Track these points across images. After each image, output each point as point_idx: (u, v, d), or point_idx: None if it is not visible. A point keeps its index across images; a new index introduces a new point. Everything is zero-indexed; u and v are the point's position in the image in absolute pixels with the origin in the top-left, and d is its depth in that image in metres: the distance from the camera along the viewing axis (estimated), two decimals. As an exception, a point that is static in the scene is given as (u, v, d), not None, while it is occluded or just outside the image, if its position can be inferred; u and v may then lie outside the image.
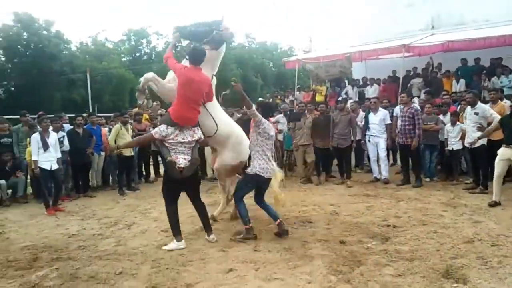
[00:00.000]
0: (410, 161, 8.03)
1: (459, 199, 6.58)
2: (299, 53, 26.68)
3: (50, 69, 24.45)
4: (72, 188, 8.47)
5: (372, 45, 13.72)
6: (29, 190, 8.38)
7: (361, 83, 13.96)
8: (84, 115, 9.17)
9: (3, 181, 7.67)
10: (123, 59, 33.84)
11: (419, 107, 8.23)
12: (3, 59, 25.02)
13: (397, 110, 8.69)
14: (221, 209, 5.82)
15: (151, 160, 9.75)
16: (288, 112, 10.00)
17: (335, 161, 9.17)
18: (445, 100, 8.86)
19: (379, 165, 8.36)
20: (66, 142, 7.95)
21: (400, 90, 10.79)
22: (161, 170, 8.37)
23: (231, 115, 9.31)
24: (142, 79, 5.25)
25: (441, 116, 8.26)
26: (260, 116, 4.94)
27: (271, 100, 15.10)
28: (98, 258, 4.50)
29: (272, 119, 9.68)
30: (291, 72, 20.58)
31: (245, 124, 6.62)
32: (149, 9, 60.61)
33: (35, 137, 6.97)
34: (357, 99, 12.07)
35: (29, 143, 7.34)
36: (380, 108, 8.39)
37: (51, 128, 7.34)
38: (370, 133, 8.36)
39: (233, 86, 4.98)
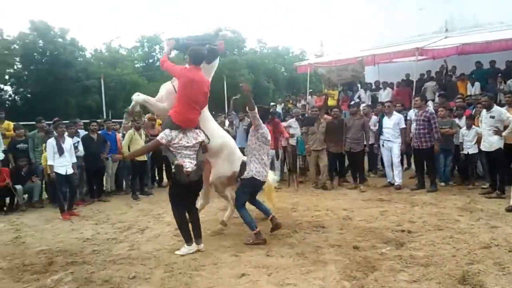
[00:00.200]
0: (425, 165, 7.92)
1: (475, 204, 6.46)
2: (311, 58, 26.64)
3: (65, 76, 24.88)
4: (86, 193, 8.59)
5: (385, 48, 13.64)
6: (45, 195, 8.51)
7: (373, 86, 13.87)
8: (99, 120, 9.29)
9: (19, 186, 7.81)
10: (137, 65, 34.27)
11: (433, 111, 8.12)
12: (19, 66, 25.53)
13: (411, 114, 8.60)
14: (229, 213, 5.80)
15: (164, 164, 9.82)
16: (300, 117, 10.00)
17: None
18: (458, 104, 8.74)
19: (393, 170, 8.26)
20: (80, 147, 8.07)
21: (413, 94, 10.69)
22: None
23: (242, 120, 9.35)
24: (133, 102, 5.35)
25: (456, 120, 8.14)
26: (260, 120, 5.04)
27: (282, 104, 15.11)
28: (112, 263, 4.53)
29: (284, 124, 9.71)
30: (303, 77, 20.51)
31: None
32: (149, 9, 61.04)
33: (51, 142, 7.10)
34: (370, 103, 11.98)
35: (45, 148, 7.47)
36: (394, 112, 8.27)
37: (66, 133, 7.46)
38: (384, 137, 8.25)
39: (241, 86, 5.07)
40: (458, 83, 11.66)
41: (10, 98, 26.06)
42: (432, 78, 12.55)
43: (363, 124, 8.27)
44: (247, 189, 5.11)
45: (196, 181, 4.68)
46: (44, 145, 7.73)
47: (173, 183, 4.73)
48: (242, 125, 9.22)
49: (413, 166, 8.86)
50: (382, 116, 8.52)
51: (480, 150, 7.37)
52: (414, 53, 11.86)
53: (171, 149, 4.63)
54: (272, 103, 15.83)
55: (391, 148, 8.12)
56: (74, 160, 7.42)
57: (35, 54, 25.02)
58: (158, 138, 4.72)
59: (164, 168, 9.85)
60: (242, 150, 9.05)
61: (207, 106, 5.30)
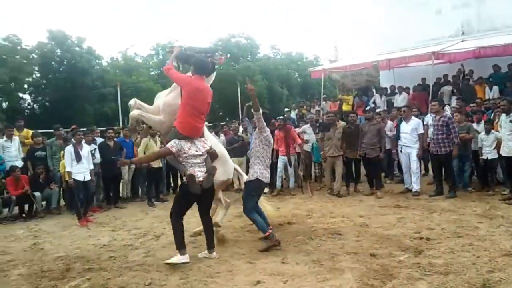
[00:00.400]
0: (443, 171, 7.78)
1: (495, 210, 6.30)
2: (324, 63, 26.57)
3: (82, 84, 25.33)
4: (103, 199, 8.69)
5: (400, 52, 13.52)
6: (62, 202, 8.64)
7: (389, 91, 13.74)
8: (115, 128, 9.42)
9: (38, 193, 7.95)
10: (152, 73, 34.67)
11: (451, 115, 7.98)
12: (38, 75, 26.08)
13: (428, 118, 8.47)
14: (222, 215, 5.70)
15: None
16: (315, 122, 9.96)
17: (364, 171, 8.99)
18: (473, 108, 8.60)
19: (411, 176, 8.13)
20: (97, 154, 8.19)
21: (430, 98, 10.54)
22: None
23: (255, 127, 9.32)
24: (130, 119, 5.39)
25: (474, 125, 7.99)
26: (264, 122, 5.10)
27: (296, 110, 15.09)
28: (128, 269, 4.56)
29: (298, 130, 9.68)
30: (316, 82, 20.50)
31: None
32: (149, 9, 61.63)
33: (69, 149, 7.23)
34: (385, 108, 11.87)
35: (63, 156, 7.61)
36: (413, 117, 8.09)
37: (83, 140, 7.58)
38: (402, 143, 8.08)
39: (246, 87, 5.07)
40: (476, 87, 11.47)
41: (29, 107, 26.63)
42: (449, 82, 12.36)
43: (379, 129, 8.18)
44: (254, 192, 5.14)
45: (208, 189, 4.64)
46: (62, 152, 7.88)
47: (184, 194, 4.62)
48: (255, 131, 9.19)
49: (430, 172, 8.71)
50: (400, 121, 8.39)
51: (499, 155, 7.21)
52: (430, 57, 11.74)
53: (181, 159, 4.58)
54: (286, 109, 15.86)
55: (409, 153, 7.97)
56: (92, 167, 7.54)
57: (53, 63, 25.55)
58: (168, 146, 4.64)
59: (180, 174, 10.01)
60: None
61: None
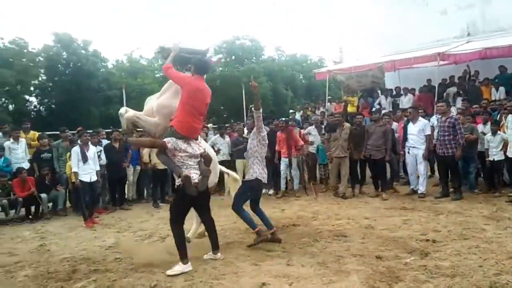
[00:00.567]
0: (449, 172, 7.73)
1: (502, 212, 6.25)
2: (329, 64, 26.50)
3: (88, 87, 25.43)
4: (109, 201, 8.73)
5: (405, 54, 13.47)
6: (68, 203, 8.68)
7: (394, 93, 13.68)
8: (121, 129, 9.45)
9: (44, 195, 8.00)
10: (157, 75, 34.72)
11: (457, 117, 7.94)
12: (44, 78, 26.22)
13: (433, 120, 8.43)
14: (195, 228, 5.57)
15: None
16: (320, 124, 9.95)
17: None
18: (476, 109, 8.56)
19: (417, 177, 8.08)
20: (103, 156, 8.23)
21: (436, 100, 10.49)
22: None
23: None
24: (123, 120, 5.09)
25: (481, 126, 7.95)
26: (262, 122, 5.22)
27: (301, 112, 15.07)
28: (133, 271, 4.56)
29: (303, 131, 9.67)
30: (321, 84, 20.44)
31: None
32: (149, 9, 61.69)
33: (75, 150, 7.31)
34: (391, 109, 11.82)
35: (69, 157, 7.66)
36: (420, 118, 8.03)
37: (90, 142, 7.63)
38: (409, 144, 8.03)
39: (250, 85, 5.10)
40: (482, 88, 11.40)
41: (35, 109, 26.78)
42: (455, 84, 12.30)
43: (385, 131, 8.13)
44: (250, 192, 5.25)
45: (204, 191, 4.56)
46: (68, 154, 7.94)
47: (181, 197, 4.51)
48: (261, 132, 9.17)
49: (436, 173, 8.66)
50: (407, 122, 8.34)
51: (506, 157, 7.17)
52: (435, 58, 11.69)
53: (175, 160, 4.47)
54: (290, 111, 15.82)
55: (416, 155, 7.92)
56: (98, 168, 7.60)
57: (59, 65, 25.68)
58: (165, 140, 4.48)
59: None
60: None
61: None
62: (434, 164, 8.75)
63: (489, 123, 7.85)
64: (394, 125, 9.10)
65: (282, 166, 8.74)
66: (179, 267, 4.39)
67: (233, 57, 31.71)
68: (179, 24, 58.20)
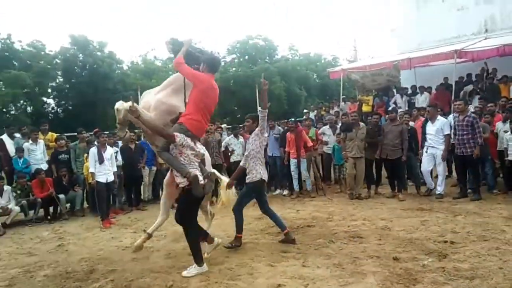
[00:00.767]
0: (467, 172, 7.57)
1: (523, 213, 6.11)
2: (343, 63, 26.32)
3: (104, 88, 25.75)
4: (125, 201, 8.82)
5: (421, 51, 13.27)
6: (86, 204, 8.81)
7: (410, 91, 13.49)
8: (137, 131, 9.55)
9: (62, 196, 8.14)
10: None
11: (475, 115, 7.77)
12: (61, 80, 26.66)
13: (450, 118, 8.26)
14: (208, 225, 5.52)
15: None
16: (334, 124, 9.86)
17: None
18: (490, 108, 8.38)
19: (431, 176, 7.92)
20: (119, 157, 8.33)
21: (453, 98, 10.30)
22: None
23: (273, 128, 9.25)
24: (118, 110, 4.76)
25: (500, 124, 7.76)
26: (266, 123, 5.26)
27: (315, 111, 14.99)
28: (150, 271, 4.61)
29: (318, 131, 9.60)
30: (335, 83, 20.32)
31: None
32: (149, 9, 61.97)
33: (93, 150, 7.44)
34: (406, 108, 11.65)
35: (86, 158, 7.78)
36: (438, 117, 7.83)
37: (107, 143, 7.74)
38: (428, 143, 7.83)
39: (261, 82, 5.08)
40: (500, 86, 11.15)
41: (53, 111, 27.23)
42: (472, 82, 12.06)
43: (401, 130, 7.98)
44: (254, 193, 5.32)
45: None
46: (85, 155, 8.06)
47: (191, 199, 4.33)
48: (273, 133, 9.13)
49: (454, 173, 8.48)
50: (426, 121, 8.17)
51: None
52: (452, 56, 11.49)
53: (181, 158, 4.30)
54: (305, 110, 15.76)
55: (435, 154, 7.75)
56: (115, 169, 7.71)
57: (75, 67, 26.07)
58: (174, 133, 4.30)
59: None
60: (274, 158, 9.06)
61: None
62: (452, 164, 8.58)
63: (508, 121, 7.66)
64: (410, 124, 8.94)
65: (292, 167, 8.69)
66: (194, 269, 4.41)
67: (246, 57, 31.68)
68: (179, 24, 58.52)
